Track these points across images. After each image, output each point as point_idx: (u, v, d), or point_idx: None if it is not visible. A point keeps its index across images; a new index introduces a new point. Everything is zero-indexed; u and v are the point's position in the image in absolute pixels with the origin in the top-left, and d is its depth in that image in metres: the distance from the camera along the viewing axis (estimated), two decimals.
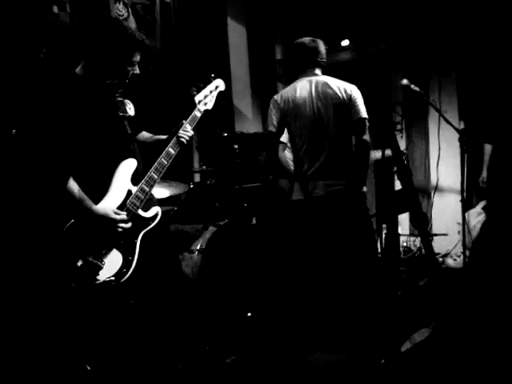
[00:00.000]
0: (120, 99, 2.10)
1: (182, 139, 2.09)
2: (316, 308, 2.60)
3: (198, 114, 2.18)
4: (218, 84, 2.32)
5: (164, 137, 2.21)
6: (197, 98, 2.20)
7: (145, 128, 2.30)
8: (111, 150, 1.99)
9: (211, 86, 2.28)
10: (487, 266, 2.79)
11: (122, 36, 1.94)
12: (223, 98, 4.53)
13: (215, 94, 2.29)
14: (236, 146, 3.42)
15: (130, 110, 2.15)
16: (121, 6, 3.86)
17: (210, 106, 2.24)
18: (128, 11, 3.94)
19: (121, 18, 3.95)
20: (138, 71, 2.02)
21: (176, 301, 2.18)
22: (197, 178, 4.09)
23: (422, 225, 3.69)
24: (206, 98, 2.23)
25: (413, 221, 3.92)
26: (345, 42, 4.52)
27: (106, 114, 2.01)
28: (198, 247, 2.76)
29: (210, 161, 3.66)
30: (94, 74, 1.95)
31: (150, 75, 3.64)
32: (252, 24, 4.63)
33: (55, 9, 3.37)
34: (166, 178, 2.95)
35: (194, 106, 2.18)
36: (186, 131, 2.11)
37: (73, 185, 1.85)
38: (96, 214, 1.87)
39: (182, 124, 2.13)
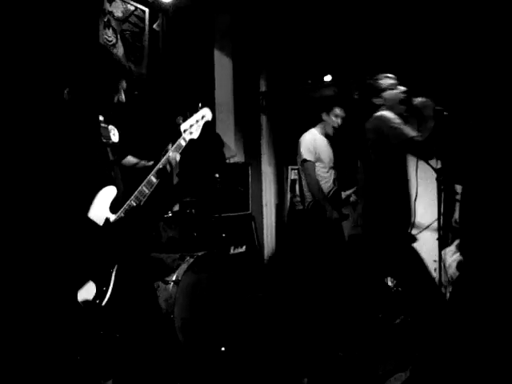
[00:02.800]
0: (104, 125, 2.08)
1: (167, 167, 2.06)
2: (293, 341, 2.56)
3: (183, 143, 2.15)
4: (205, 113, 2.30)
5: (150, 163, 2.18)
6: (182, 127, 2.17)
7: (130, 153, 2.26)
8: (91, 177, 1.96)
9: (198, 116, 2.26)
10: (466, 305, 2.80)
11: (108, 62, 1.94)
12: (207, 127, 4.56)
13: (201, 123, 2.27)
14: (217, 176, 3.42)
15: (114, 136, 2.12)
16: (110, 32, 3.88)
17: (195, 136, 2.22)
18: (116, 37, 3.96)
19: (109, 43, 3.98)
20: (123, 99, 2.01)
21: (149, 333, 2.11)
22: (176, 207, 4.05)
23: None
24: (192, 128, 2.21)
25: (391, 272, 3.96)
26: (327, 78, 4.63)
27: (87, 140, 1.98)
28: (174, 278, 2.70)
29: (190, 189, 3.64)
30: (79, 99, 1.94)
31: (135, 101, 3.64)
32: (238, 56, 4.71)
33: None
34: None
35: (179, 134, 2.15)
36: (171, 160, 2.08)
37: None
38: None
39: (167, 151, 2.10)
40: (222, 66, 4.57)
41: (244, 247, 3.88)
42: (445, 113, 3.18)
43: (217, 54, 4.55)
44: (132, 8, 4.07)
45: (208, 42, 4.50)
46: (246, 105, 4.78)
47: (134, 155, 2.28)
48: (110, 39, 3.89)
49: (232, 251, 3.72)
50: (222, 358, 2.74)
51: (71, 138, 1.90)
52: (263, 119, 4.94)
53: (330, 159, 3.68)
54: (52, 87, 2.19)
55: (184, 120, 2.20)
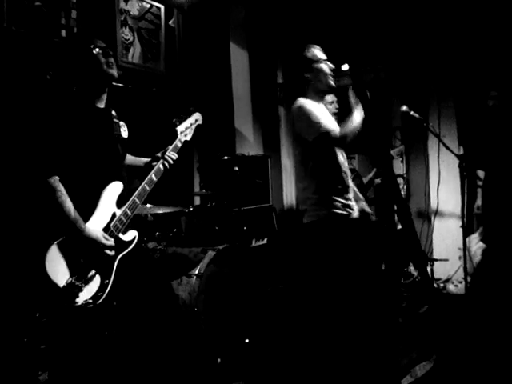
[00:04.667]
0: (116, 121, 2.14)
1: (166, 163, 2.20)
2: (316, 334, 2.56)
3: (179, 144, 2.29)
4: (197, 118, 2.45)
5: (146, 160, 2.30)
6: (178, 129, 2.31)
7: (129, 151, 2.34)
8: (102, 170, 2.01)
9: (191, 119, 2.41)
10: (489, 293, 2.76)
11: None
12: (225, 121, 4.59)
13: (194, 127, 2.41)
14: (236, 169, 3.44)
15: (124, 132, 2.20)
16: (127, 31, 3.93)
17: (189, 138, 2.36)
18: (134, 35, 4.01)
19: (126, 42, 4.03)
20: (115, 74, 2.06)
21: (169, 326, 2.15)
22: (197, 201, 4.10)
23: (422, 265, 3.69)
24: (187, 130, 2.35)
25: (413, 261, 3.91)
26: (345, 67, 4.57)
27: (100, 132, 2.03)
28: (197, 272, 2.74)
29: (210, 183, 3.67)
30: (85, 95, 2.03)
31: (153, 97, 3.69)
32: (254, 49, 4.70)
33: (63, 33, 3.44)
34: (169, 200, 2.97)
35: (175, 135, 2.30)
36: (170, 157, 2.21)
37: (69, 205, 1.87)
38: (86, 236, 1.88)
39: (167, 151, 2.23)
40: (239, 59, 4.57)
41: (265, 239, 3.89)
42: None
43: (233, 47, 4.54)
44: (147, 6, 4.10)
45: (223, 35, 4.50)
46: (264, 97, 4.77)
47: (132, 154, 2.36)
48: (127, 38, 3.94)
49: (253, 244, 3.75)
50: (247, 350, 2.77)
51: (86, 130, 1.96)
52: (281, 111, 4.93)
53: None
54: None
55: (180, 122, 2.34)
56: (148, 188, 2.11)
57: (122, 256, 1.99)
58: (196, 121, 2.43)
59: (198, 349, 2.47)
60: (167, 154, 2.21)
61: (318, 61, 2.44)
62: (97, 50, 1.99)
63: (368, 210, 2.67)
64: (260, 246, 3.83)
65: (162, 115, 3.63)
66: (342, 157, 2.42)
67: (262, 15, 4.70)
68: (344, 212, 2.29)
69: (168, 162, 2.19)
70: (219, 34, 4.48)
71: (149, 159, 2.29)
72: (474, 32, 3.99)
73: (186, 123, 2.36)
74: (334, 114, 3.53)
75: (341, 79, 4.38)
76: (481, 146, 3.40)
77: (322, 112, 2.36)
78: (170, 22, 4.27)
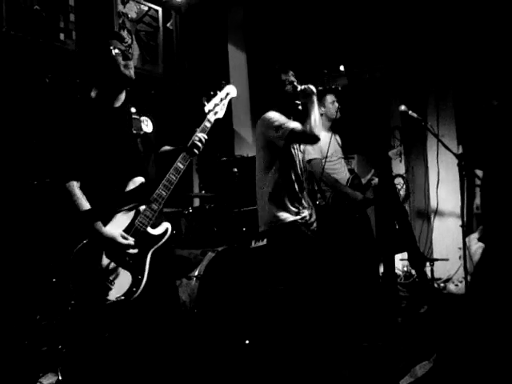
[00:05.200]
0: (136, 117, 2.12)
1: (195, 149, 2.06)
2: (315, 334, 2.56)
3: (208, 125, 2.12)
4: (229, 91, 2.25)
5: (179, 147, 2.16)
6: (206, 108, 2.14)
7: (166, 143, 2.28)
8: (121, 168, 2.01)
9: (222, 94, 2.21)
10: (489, 293, 2.75)
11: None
12: (223, 122, 4.58)
13: (226, 101, 2.22)
14: (235, 170, 3.44)
15: (147, 126, 2.12)
16: (125, 33, 3.94)
17: (220, 115, 2.17)
18: (132, 38, 4.02)
19: (125, 44, 4.04)
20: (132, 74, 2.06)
21: (171, 327, 2.15)
22: (196, 202, 4.10)
23: (419, 265, 3.71)
24: (217, 107, 2.17)
25: (410, 260, 3.91)
26: (342, 68, 4.57)
27: (117, 132, 2.03)
28: (196, 273, 2.74)
29: (209, 184, 3.67)
30: (103, 97, 2.04)
31: (152, 99, 3.69)
32: (251, 50, 4.71)
33: (62, 36, 3.45)
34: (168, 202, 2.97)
35: (204, 116, 2.14)
36: (198, 140, 2.06)
37: (86, 208, 1.89)
38: (105, 236, 1.89)
39: (194, 134, 2.09)
40: (237, 60, 4.58)
41: (265, 240, 3.89)
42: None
43: (231, 49, 4.55)
44: (145, 8, 4.11)
45: (221, 37, 4.51)
46: (262, 98, 4.77)
47: (170, 145, 2.30)
48: (125, 40, 3.95)
49: (253, 245, 3.74)
50: (247, 351, 2.77)
51: (98, 129, 1.97)
52: None
53: (336, 151, 3.64)
54: (70, 86, 2.27)
55: (208, 100, 2.16)
56: (174, 178, 2.00)
57: (156, 249, 1.97)
58: (227, 95, 2.22)
59: (197, 350, 2.47)
60: (195, 136, 2.05)
61: (284, 82, 2.68)
62: (116, 51, 2.00)
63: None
64: (260, 246, 3.82)
65: (162, 117, 3.63)
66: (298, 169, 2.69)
67: (260, 16, 4.71)
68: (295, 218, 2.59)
69: (196, 146, 2.04)
70: (217, 36, 4.49)
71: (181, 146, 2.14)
72: (473, 31, 4.00)
73: (216, 99, 2.17)
74: (336, 113, 3.56)
75: (338, 79, 4.41)
76: (479, 145, 3.40)
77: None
78: (168, 25, 4.28)
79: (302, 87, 2.59)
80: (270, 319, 2.91)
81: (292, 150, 2.67)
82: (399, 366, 2.14)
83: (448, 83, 4.28)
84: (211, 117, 2.14)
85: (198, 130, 2.11)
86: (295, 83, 2.64)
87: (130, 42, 3.99)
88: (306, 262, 2.53)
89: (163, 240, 2.00)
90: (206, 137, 2.09)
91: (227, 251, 2.96)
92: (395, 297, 3.16)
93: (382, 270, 3.52)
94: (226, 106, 2.21)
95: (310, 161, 3.56)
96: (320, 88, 2.68)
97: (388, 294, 2.73)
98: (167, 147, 2.26)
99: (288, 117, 2.65)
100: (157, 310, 2.05)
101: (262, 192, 2.65)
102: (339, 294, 2.56)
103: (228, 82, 2.29)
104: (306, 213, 2.68)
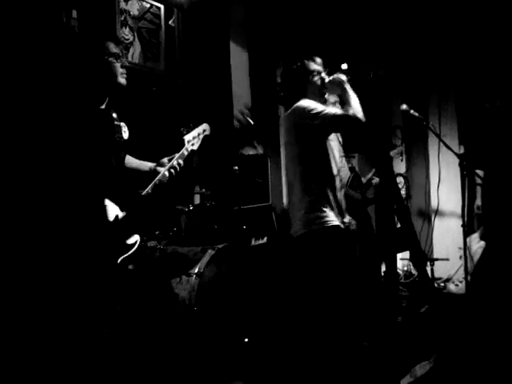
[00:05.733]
0: (117, 123, 2.15)
1: (172, 170, 2.24)
2: (315, 334, 2.55)
3: (186, 153, 2.33)
4: (205, 128, 2.50)
5: (151, 164, 2.32)
6: (186, 138, 2.36)
7: (130, 152, 2.35)
8: (105, 173, 2.03)
9: (199, 129, 2.46)
10: (489, 292, 2.75)
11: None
12: (224, 120, 4.58)
13: (202, 136, 2.46)
14: (236, 168, 3.44)
15: (125, 133, 2.22)
16: (127, 31, 3.93)
17: (195, 147, 2.41)
18: (134, 35, 4.01)
19: (126, 42, 4.03)
20: (123, 82, 2.13)
21: (168, 325, 2.15)
22: (197, 199, 4.09)
23: (421, 264, 3.69)
24: (194, 140, 2.40)
25: (412, 260, 3.91)
26: (344, 66, 4.57)
27: (104, 137, 2.04)
28: (196, 271, 2.74)
29: (209, 182, 3.66)
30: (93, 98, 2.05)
31: (153, 97, 3.69)
32: (253, 48, 4.70)
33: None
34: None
35: (182, 144, 2.33)
36: (178, 164, 2.26)
37: None
38: None
39: (173, 158, 2.27)
40: (238, 59, 4.57)
41: (265, 238, 3.89)
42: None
43: (233, 47, 4.54)
44: (147, 5, 4.10)
45: (223, 34, 4.50)
46: (264, 96, 4.77)
47: (134, 155, 2.36)
48: (127, 37, 3.94)
49: (253, 243, 3.74)
50: (246, 349, 2.77)
51: (93, 134, 1.97)
52: (281, 110, 4.92)
53: (338, 150, 3.63)
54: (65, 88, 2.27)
55: (187, 131, 2.39)
56: (167, 174, 2.18)
57: (124, 258, 2.02)
58: (204, 131, 2.48)
59: (197, 348, 2.46)
60: (174, 160, 2.25)
61: (313, 73, 2.43)
62: (111, 58, 2.01)
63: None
64: (260, 245, 3.82)
65: (163, 116, 3.63)
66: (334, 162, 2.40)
67: (262, 14, 4.70)
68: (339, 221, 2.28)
69: (175, 168, 2.23)
70: (219, 34, 4.48)
71: (154, 164, 2.31)
72: (475, 31, 3.99)
73: (194, 133, 2.41)
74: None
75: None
76: (481, 145, 3.39)
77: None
78: (170, 22, 4.27)
79: (331, 78, 2.38)
80: (269, 317, 2.90)
81: (330, 142, 2.39)
82: (399, 366, 2.13)
83: (450, 82, 4.28)
84: (189, 147, 2.36)
85: (177, 155, 2.29)
86: (323, 74, 2.42)
87: (131, 39, 3.98)
88: (342, 270, 2.28)
89: (132, 250, 2.06)
90: (182, 163, 2.29)
91: (227, 249, 2.95)
92: (396, 296, 3.16)
93: (383, 269, 3.52)
94: (201, 140, 2.45)
95: None
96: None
97: (389, 293, 2.72)
98: (135, 161, 2.33)
99: None
100: (146, 311, 2.07)
101: (299, 189, 2.31)
102: (343, 293, 2.54)
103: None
104: (347, 217, 2.39)
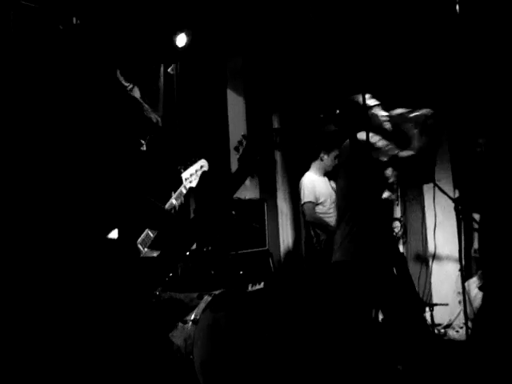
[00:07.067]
0: None
1: (171, 211, 2.23)
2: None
3: (184, 191, 2.33)
4: (203, 164, 2.50)
5: None
6: (183, 176, 2.37)
7: None
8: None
9: (196, 166, 2.46)
10: (490, 339, 2.70)
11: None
12: (222, 165, 4.61)
13: (199, 173, 2.46)
14: (233, 212, 3.44)
15: None
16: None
17: (194, 184, 2.40)
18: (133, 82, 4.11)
19: (127, 88, 4.13)
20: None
21: (163, 375, 2.08)
22: (193, 245, 4.06)
23: (419, 312, 3.62)
24: (192, 177, 2.40)
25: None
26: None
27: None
28: (192, 317, 2.67)
29: (206, 226, 3.65)
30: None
31: (149, 145, 3.73)
32: (250, 95, 4.83)
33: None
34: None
35: (180, 182, 2.33)
36: (175, 205, 2.25)
37: None
38: None
39: (170, 198, 2.27)
40: (235, 106, 4.69)
41: (262, 284, 3.84)
42: (428, 121, 3.14)
43: (230, 94, 4.67)
44: None
45: (221, 82, 4.63)
46: (260, 142, 4.85)
47: None
48: (126, 84, 4.04)
49: (250, 288, 3.69)
50: None
51: None
52: (277, 155, 5.00)
53: (331, 196, 3.72)
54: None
55: (185, 169, 2.39)
56: (152, 234, 2.13)
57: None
58: (201, 167, 2.47)
59: None
60: (172, 200, 2.24)
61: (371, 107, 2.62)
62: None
63: None
64: (256, 290, 3.77)
65: (162, 160, 3.66)
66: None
67: (259, 64, 4.87)
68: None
69: (174, 208, 2.22)
70: (217, 81, 4.61)
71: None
72: (469, 76, 4.11)
73: (191, 170, 2.40)
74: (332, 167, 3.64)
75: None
76: (475, 188, 3.43)
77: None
78: (169, 70, 4.40)
79: (411, 115, 2.55)
80: (268, 364, 2.82)
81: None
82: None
83: (443, 128, 4.38)
84: (187, 184, 2.36)
85: (174, 195, 2.28)
86: (388, 120, 2.61)
87: (130, 86, 4.08)
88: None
89: None
90: (183, 201, 2.29)
91: (224, 295, 2.90)
92: (396, 344, 3.08)
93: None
94: (199, 177, 2.45)
95: (303, 204, 3.61)
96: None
97: (389, 341, 2.66)
98: None
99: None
100: (140, 360, 2.01)
101: (347, 220, 2.52)
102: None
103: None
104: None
